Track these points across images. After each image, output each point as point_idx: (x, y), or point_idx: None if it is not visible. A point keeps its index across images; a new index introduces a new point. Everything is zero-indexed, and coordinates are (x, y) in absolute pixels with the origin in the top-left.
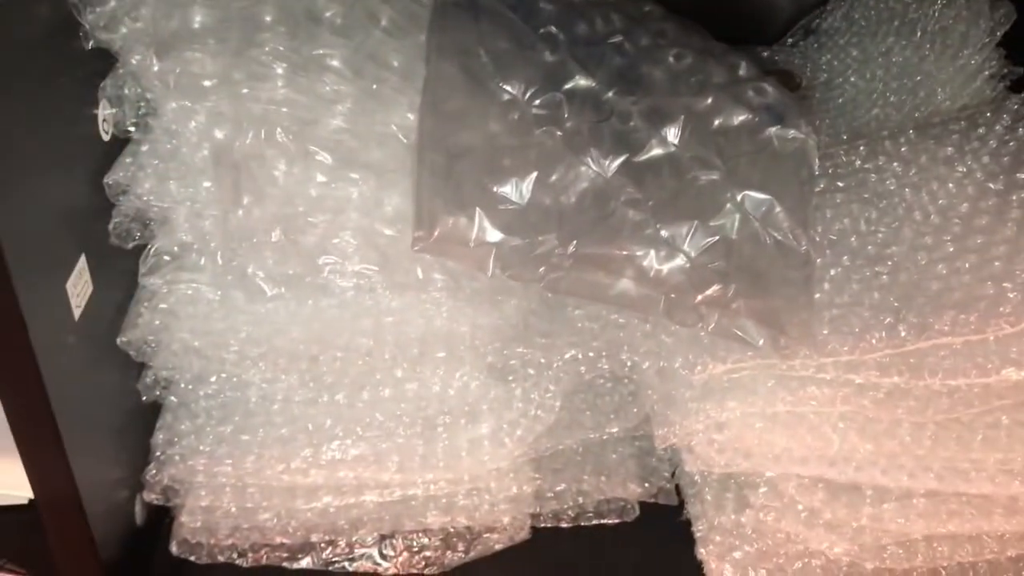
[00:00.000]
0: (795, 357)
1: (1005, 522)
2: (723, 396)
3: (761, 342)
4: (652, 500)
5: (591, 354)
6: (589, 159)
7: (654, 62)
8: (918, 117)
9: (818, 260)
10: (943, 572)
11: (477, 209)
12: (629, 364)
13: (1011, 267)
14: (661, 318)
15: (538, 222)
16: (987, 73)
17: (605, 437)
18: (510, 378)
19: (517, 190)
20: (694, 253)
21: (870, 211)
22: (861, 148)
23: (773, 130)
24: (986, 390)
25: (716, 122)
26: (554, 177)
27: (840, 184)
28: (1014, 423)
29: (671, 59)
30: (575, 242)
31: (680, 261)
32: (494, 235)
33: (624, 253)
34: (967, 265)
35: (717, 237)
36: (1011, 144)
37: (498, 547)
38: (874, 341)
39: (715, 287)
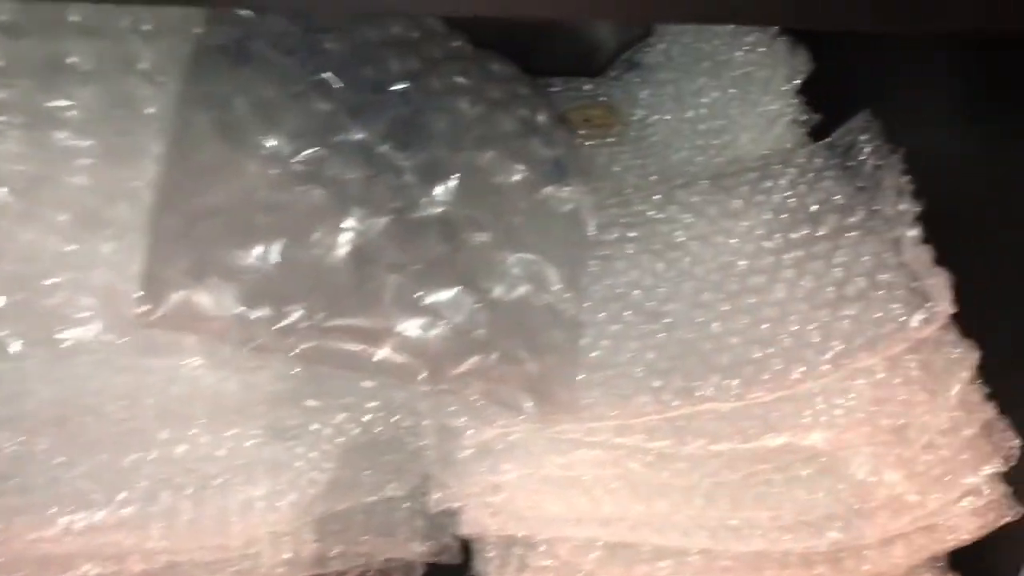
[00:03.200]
0: (562, 422)
1: None
2: (498, 459)
3: (528, 406)
4: (435, 560)
5: (367, 417)
6: (352, 219)
7: (441, 111)
8: (720, 162)
9: (601, 315)
10: None
11: (215, 278)
12: (408, 423)
13: (776, 331)
14: (423, 387)
15: (286, 290)
16: (787, 119)
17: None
18: (286, 438)
19: (264, 255)
20: (457, 320)
21: (658, 264)
22: (656, 196)
23: (549, 189)
24: (750, 454)
25: (495, 179)
26: (312, 238)
27: (632, 234)
28: (785, 480)
29: (463, 106)
30: (324, 313)
31: (441, 330)
32: (233, 307)
33: (381, 323)
34: (738, 326)
35: (481, 304)
36: (791, 200)
37: None
38: (641, 405)
39: (476, 357)
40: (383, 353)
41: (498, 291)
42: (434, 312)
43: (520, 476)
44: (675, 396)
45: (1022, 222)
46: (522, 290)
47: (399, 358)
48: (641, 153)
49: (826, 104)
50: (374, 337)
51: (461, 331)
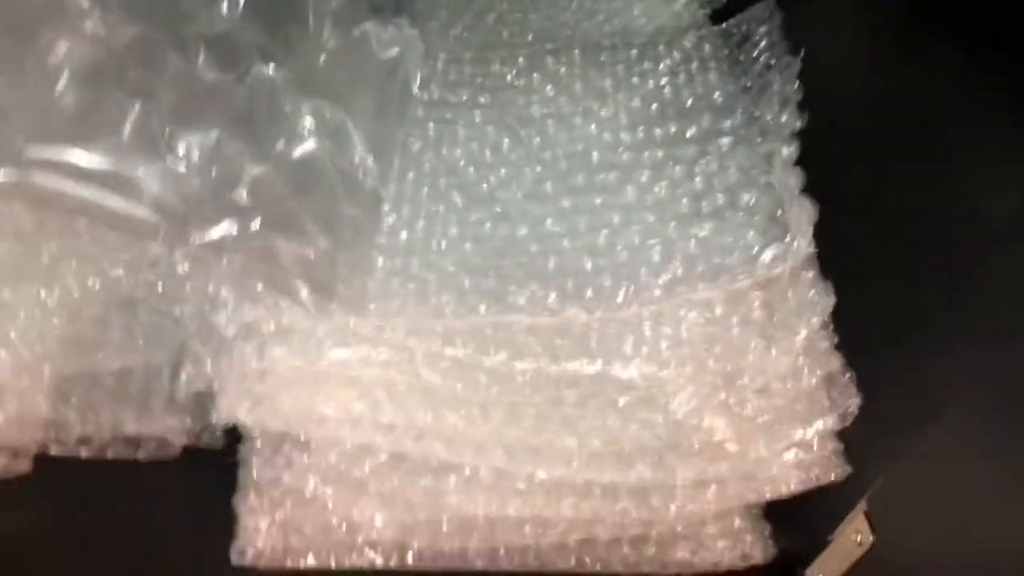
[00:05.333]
0: (344, 317)
1: (574, 509)
2: (268, 342)
3: (303, 295)
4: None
5: (115, 271)
6: (92, 21)
7: None
8: (608, 30)
9: (423, 191)
10: (502, 551)
11: None
12: (170, 285)
13: (614, 241)
14: (163, 250)
15: None
16: None
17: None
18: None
19: None
20: (215, 172)
21: (504, 139)
22: (520, 59)
23: (368, 25)
24: (558, 377)
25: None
26: (38, 44)
27: (482, 99)
28: (596, 405)
29: None
30: (39, 144)
31: (190, 180)
32: None
33: (111, 162)
34: (576, 228)
35: (252, 155)
36: (666, 90)
37: None
38: (442, 305)
39: (233, 223)
40: (113, 201)
41: (279, 144)
42: (185, 157)
43: (291, 367)
44: (483, 300)
45: (911, 159)
46: (311, 146)
47: (133, 210)
48: (523, 7)
49: None
50: (101, 179)
51: (217, 187)
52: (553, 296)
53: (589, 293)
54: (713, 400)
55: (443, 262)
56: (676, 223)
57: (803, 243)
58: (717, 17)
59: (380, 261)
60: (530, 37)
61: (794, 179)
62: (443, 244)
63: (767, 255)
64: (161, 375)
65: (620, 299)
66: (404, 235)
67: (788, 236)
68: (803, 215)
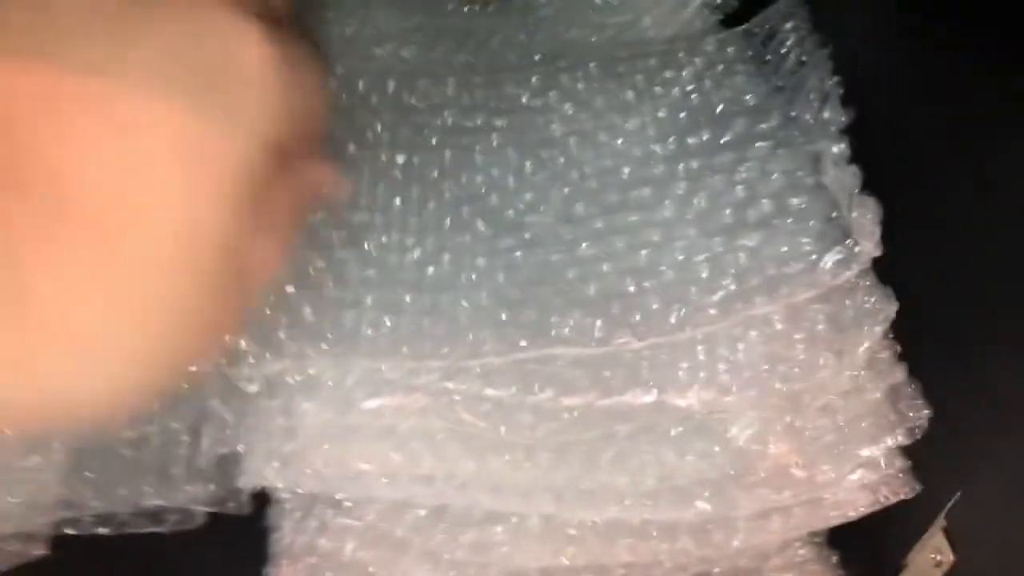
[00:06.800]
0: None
1: (631, 552)
2: (293, 395)
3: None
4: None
5: None
6: None
7: None
8: (618, 44)
9: (445, 222)
10: None
11: None
12: None
13: (656, 260)
14: None
15: None
16: (699, 1)
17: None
18: None
19: None
20: None
21: (526, 162)
22: (533, 79)
23: None
24: (610, 410)
25: None
26: None
27: (499, 123)
28: (649, 439)
29: None
30: None
31: None
32: None
33: None
34: (614, 249)
35: None
36: (694, 97)
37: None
38: (482, 345)
39: None
40: None
41: None
42: None
43: (321, 421)
44: (523, 334)
45: (961, 154)
46: None
47: None
48: (527, 27)
49: None
50: None
51: None
52: (599, 324)
53: (637, 317)
54: (776, 425)
55: (476, 295)
56: (721, 235)
57: (869, 246)
58: (729, 23)
59: (408, 298)
60: (538, 57)
61: (851, 177)
62: (473, 276)
63: (829, 261)
64: (180, 440)
65: (672, 321)
66: (431, 270)
67: (849, 239)
68: (867, 215)
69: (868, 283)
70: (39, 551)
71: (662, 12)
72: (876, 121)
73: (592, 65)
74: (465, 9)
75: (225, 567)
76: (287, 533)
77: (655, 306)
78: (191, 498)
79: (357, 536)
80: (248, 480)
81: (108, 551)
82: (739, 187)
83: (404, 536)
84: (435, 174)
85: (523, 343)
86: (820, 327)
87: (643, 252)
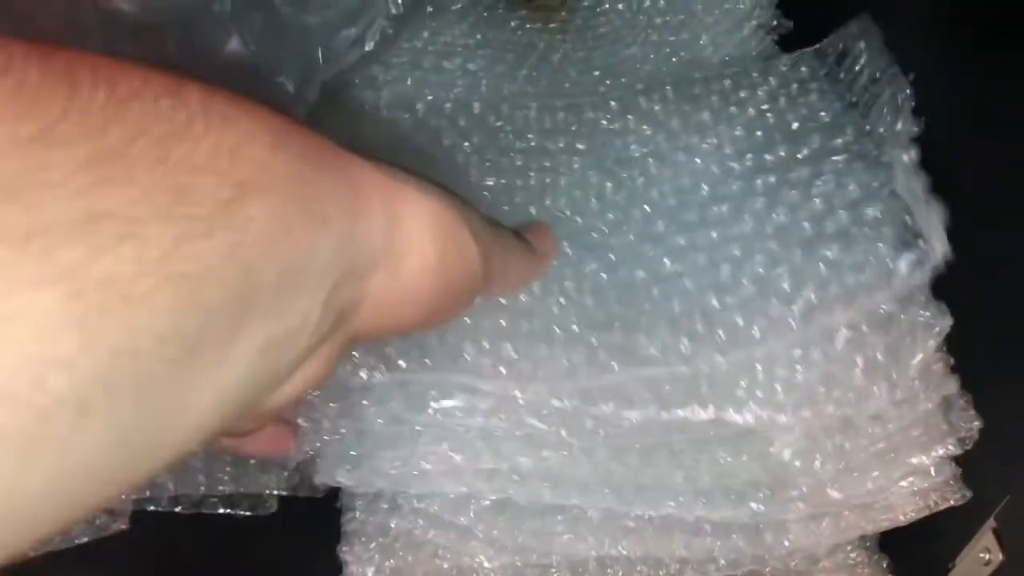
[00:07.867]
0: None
1: (686, 547)
2: (360, 398)
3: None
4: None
5: None
6: None
7: None
8: (676, 62)
9: None
10: None
11: None
12: None
13: (738, 275)
14: None
15: None
16: (755, 23)
17: None
18: None
19: None
20: None
21: (606, 183)
22: (612, 103)
23: None
24: (667, 423)
25: None
26: None
27: (580, 146)
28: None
29: None
30: None
31: None
32: None
33: None
34: (696, 265)
35: None
36: (769, 115)
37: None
38: (577, 369)
39: None
40: None
41: None
42: None
43: (386, 423)
44: (613, 356)
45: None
46: None
47: None
48: (586, 45)
49: (800, 12)
50: None
51: None
52: (685, 341)
53: (721, 333)
54: (825, 445)
55: (566, 320)
56: (801, 248)
57: (939, 246)
58: (784, 43)
59: (503, 322)
60: (596, 74)
61: (919, 182)
62: (562, 300)
63: (903, 264)
64: None
65: (756, 335)
66: (523, 297)
67: (921, 242)
68: (934, 217)
69: (923, 297)
70: (121, 526)
71: (719, 32)
72: (939, 135)
73: (668, 88)
74: (528, 26)
75: (300, 546)
76: (359, 514)
77: (739, 321)
78: (263, 485)
79: (427, 518)
80: (321, 478)
81: (184, 527)
82: (816, 200)
83: (468, 524)
84: (519, 198)
85: (614, 365)
86: (879, 356)
87: (725, 267)
